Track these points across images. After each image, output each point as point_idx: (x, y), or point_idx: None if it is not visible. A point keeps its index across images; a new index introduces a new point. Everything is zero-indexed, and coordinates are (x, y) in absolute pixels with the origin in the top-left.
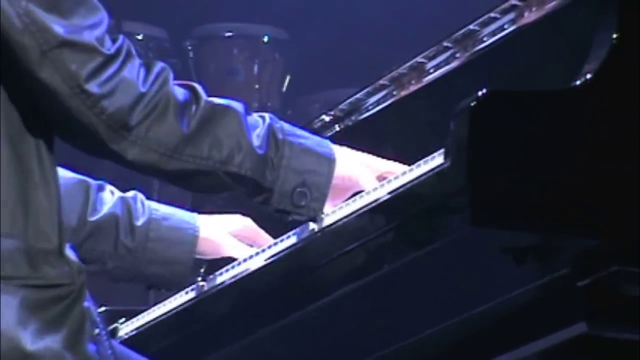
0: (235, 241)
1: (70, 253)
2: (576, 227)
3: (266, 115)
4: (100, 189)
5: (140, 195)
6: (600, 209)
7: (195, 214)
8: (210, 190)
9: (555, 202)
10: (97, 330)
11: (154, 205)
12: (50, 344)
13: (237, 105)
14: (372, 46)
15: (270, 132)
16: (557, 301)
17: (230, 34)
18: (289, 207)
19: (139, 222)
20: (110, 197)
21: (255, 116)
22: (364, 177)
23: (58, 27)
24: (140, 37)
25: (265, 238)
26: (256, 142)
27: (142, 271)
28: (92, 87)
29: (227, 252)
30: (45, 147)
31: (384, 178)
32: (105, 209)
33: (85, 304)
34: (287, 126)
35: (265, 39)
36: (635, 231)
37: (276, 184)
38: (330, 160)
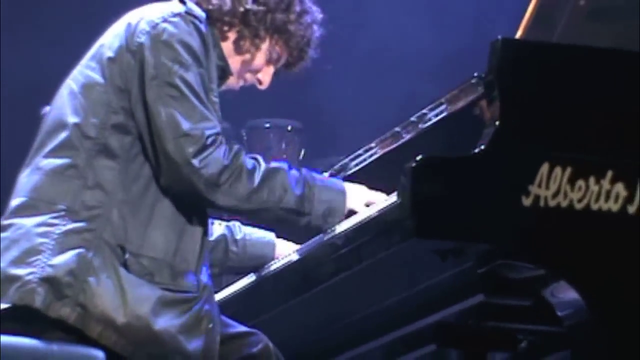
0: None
1: (204, 274)
2: (477, 237)
3: (303, 169)
4: (213, 223)
5: (237, 222)
6: (489, 230)
7: (271, 232)
8: (271, 221)
9: (464, 223)
10: (210, 325)
11: (245, 228)
12: (169, 328)
13: (284, 165)
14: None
15: (305, 180)
16: (465, 282)
17: (268, 125)
18: (321, 224)
19: (238, 237)
20: (219, 226)
21: (294, 171)
22: (358, 205)
23: (185, 122)
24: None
25: None
26: (296, 187)
27: (244, 265)
28: (196, 163)
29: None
30: (197, 210)
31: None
32: (215, 233)
33: (206, 307)
34: (315, 175)
35: (289, 127)
36: (510, 239)
37: (312, 211)
38: (343, 193)
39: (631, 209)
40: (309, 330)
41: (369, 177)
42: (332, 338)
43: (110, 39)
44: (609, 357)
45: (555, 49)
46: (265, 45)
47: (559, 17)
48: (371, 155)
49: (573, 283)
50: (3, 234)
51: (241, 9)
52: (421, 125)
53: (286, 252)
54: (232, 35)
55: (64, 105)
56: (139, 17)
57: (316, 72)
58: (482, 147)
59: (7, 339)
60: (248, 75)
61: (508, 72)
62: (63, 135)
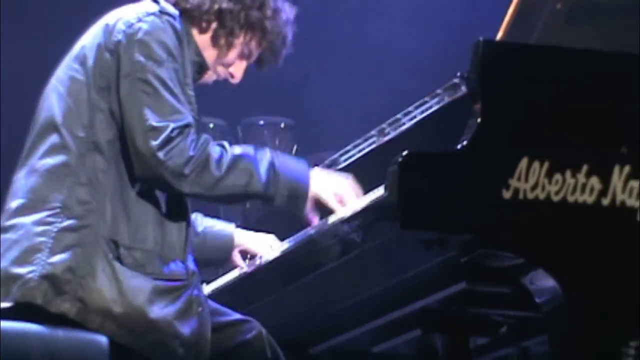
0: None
1: (190, 262)
2: (460, 228)
3: (269, 152)
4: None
5: (199, 215)
6: (471, 221)
7: (230, 225)
8: (239, 203)
9: (448, 215)
10: (200, 309)
11: (206, 220)
12: (165, 315)
13: (250, 150)
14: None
15: (271, 164)
16: (449, 270)
17: (262, 122)
18: (286, 206)
19: (199, 229)
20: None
21: (261, 154)
22: (324, 191)
23: (152, 115)
24: (211, 126)
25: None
26: (262, 172)
27: (204, 256)
28: (161, 155)
29: (249, 245)
30: (178, 201)
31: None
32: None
33: (195, 292)
34: (282, 157)
35: (282, 125)
36: (491, 230)
37: (276, 194)
38: (307, 178)
39: (605, 201)
40: (301, 316)
41: (358, 172)
42: (323, 324)
43: (90, 40)
44: (583, 341)
45: (533, 50)
46: (239, 41)
47: (537, 19)
48: (360, 151)
49: (550, 271)
50: (4, 235)
51: (217, 7)
52: (407, 123)
53: (247, 241)
54: (208, 32)
55: (53, 106)
56: (116, 18)
57: (307, 72)
58: (465, 143)
59: (15, 325)
60: (220, 69)
61: (489, 72)
62: (54, 135)
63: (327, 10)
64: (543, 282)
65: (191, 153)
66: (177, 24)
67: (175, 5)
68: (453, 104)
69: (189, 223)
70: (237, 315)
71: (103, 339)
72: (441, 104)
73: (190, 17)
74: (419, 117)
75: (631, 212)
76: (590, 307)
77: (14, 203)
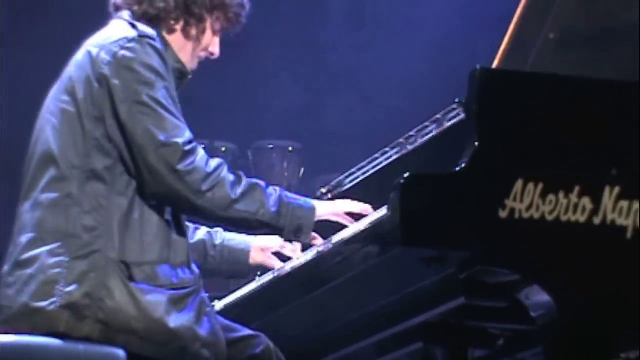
0: (268, 254)
1: (194, 266)
2: (458, 246)
3: (278, 188)
4: (197, 228)
5: (219, 229)
6: (469, 240)
7: (249, 237)
8: (247, 230)
9: (447, 234)
10: (208, 309)
11: (226, 234)
12: (184, 322)
13: (262, 183)
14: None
15: (280, 198)
16: (448, 286)
17: (271, 146)
18: (293, 238)
19: (217, 242)
20: (201, 231)
21: (271, 189)
22: (328, 214)
23: (161, 134)
24: (223, 149)
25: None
26: (272, 204)
27: (221, 269)
28: (181, 168)
29: (264, 261)
30: (178, 214)
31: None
32: (196, 237)
33: (202, 294)
34: (288, 194)
35: (290, 148)
36: (489, 247)
37: (285, 226)
38: (313, 211)
39: (596, 220)
40: (307, 330)
41: (363, 193)
42: (328, 337)
43: (77, 71)
44: (576, 353)
45: (527, 77)
46: (208, 24)
47: (531, 48)
48: (364, 173)
49: (545, 287)
50: (21, 271)
51: (184, 4)
52: (409, 146)
53: (270, 244)
54: (178, 27)
55: (48, 140)
56: (98, 47)
57: (315, 100)
58: (463, 165)
59: (37, 339)
60: (202, 54)
61: (485, 97)
62: (53, 168)
63: (333, 42)
64: (538, 297)
65: (208, 170)
66: (157, 44)
67: (143, 16)
68: (452, 128)
69: (187, 229)
70: (246, 331)
71: (121, 352)
72: (440, 129)
73: (159, 21)
74: (419, 141)
75: (621, 231)
76: (583, 321)
77: (23, 238)
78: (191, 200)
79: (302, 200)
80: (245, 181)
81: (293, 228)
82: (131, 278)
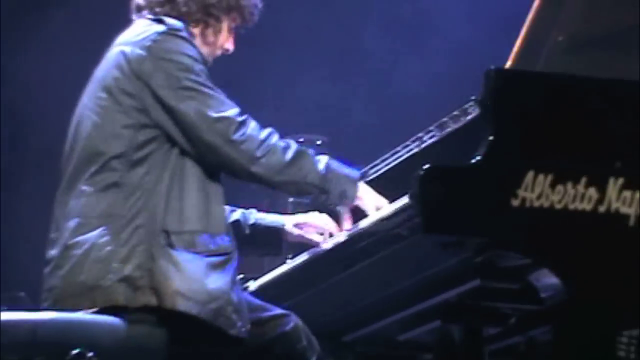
0: (305, 229)
1: (231, 234)
2: (474, 232)
3: (326, 156)
4: (233, 210)
5: (253, 210)
6: (484, 226)
7: (282, 216)
8: (297, 194)
9: (464, 221)
10: (237, 278)
11: (260, 214)
12: (221, 285)
13: (311, 150)
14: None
15: (327, 164)
16: (465, 269)
17: (301, 139)
18: (338, 202)
19: (251, 222)
20: (236, 213)
21: (320, 156)
22: (369, 202)
23: (212, 112)
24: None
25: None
26: (320, 168)
27: (254, 248)
28: (236, 138)
29: (301, 236)
30: (216, 185)
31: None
32: (232, 218)
33: (235, 263)
34: (335, 163)
35: (319, 142)
36: (502, 234)
37: (330, 189)
38: (356, 182)
39: (601, 209)
40: (334, 309)
41: (386, 183)
42: (354, 314)
43: (112, 70)
44: (583, 331)
45: (538, 76)
46: (225, 25)
47: (541, 50)
48: (387, 165)
49: (554, 270)
50: (71, 252)
51: (201, 5)
52: (428, 140)
53: (307, 218)
54: (198, 29)
55: (90, 135)
56: (130, 45)
57: (342, 98)
58: (478, 158)
59: (91, 317)
60: (218, 51)
61: (499, 95)
62: (100, 161)
63: (362, 44)
64: (547, 279)
65: (261, 138)
66: (185, 33)
67: (169, 15)
68: (468, 124)
69: (224, 199)
70: (278, 310)
71: (162, 331)
72: (458, 124)
73: (185, 21)
74: (438, 135)
75: (625, 218)
76: (589, 301)
77: (71, 223)
78: (247, 167)
79: (347, 169)
80: (295, 147)
81: (338, 192)
82: (171, 245)
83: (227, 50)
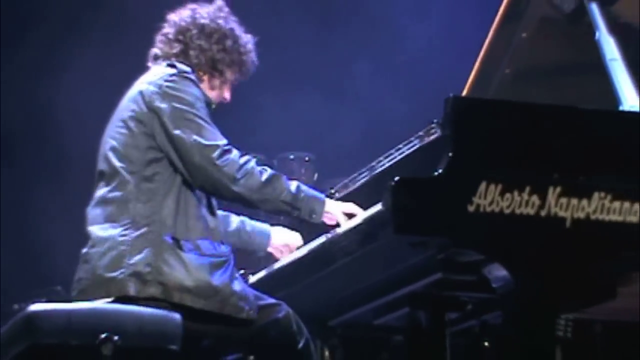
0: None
1: (227, 243)
2: (437, 233)
3: (297, 182)
4: (229, 216)
5: (245, 217)
6: (445, 228)
7: (268, 226)
8: (273, 211)
9: (428, 224)
10: (237, 275)
11: (251, 221)
12: (224, 280)
13: (282, 175)
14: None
15: (297, 186)
16: (429, 264)
17: (292, 156)
18: (308, 218)
19: (248, 229)
20: (235, 219)
21: (291, 182)
22: (337, 213)
23: (203, 140)
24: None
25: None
26: (293, 189)
27: (248, 248)
28: (220, 163)
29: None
30: (212, 204)
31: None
32: (232, 225)
33: (232, 263)
34: (305, 187)
35: (307, 158)
36: (460, 234)
37: (302, 207)
38: (323, 201)
39: (542, 213)
40: (318, 299)
41: (363, 193)
42: (337, 303)
43: (130, 104)
44: (528, 315)
45: (489, 103)
46: (227, 76)
47: (492, 80)
48: (363, 177)
49: (503, 264)
50: (94, 249)
51: (210, 59)
52: (398, 156)
53: (284, 237)
54: (206, 78)
55: (111, 158)
56: (146, 83)
57: (326, 120)
58: (440, 171)
59: (115, 306)
60: (220, 98)
61: (458, 119)
62: (117, 177)
63: (345, 69)
64: (498, 272)
65: (241, 162)
66: (192, 76)
67: (182, 63)
68: (432, 142)
69: (218, 219)
70: (271, 300)
71: (177, 316)
72: (422, 143)
73: (194, 71)
74: (406, 152)
75: (562, 221)
76: (533, 291)
77: (96, 227)
78: (229, 186)
79: (315, 192)
80: (270, 171)
81: (308, 210)
82: (181, 249)
83: (225, 99)
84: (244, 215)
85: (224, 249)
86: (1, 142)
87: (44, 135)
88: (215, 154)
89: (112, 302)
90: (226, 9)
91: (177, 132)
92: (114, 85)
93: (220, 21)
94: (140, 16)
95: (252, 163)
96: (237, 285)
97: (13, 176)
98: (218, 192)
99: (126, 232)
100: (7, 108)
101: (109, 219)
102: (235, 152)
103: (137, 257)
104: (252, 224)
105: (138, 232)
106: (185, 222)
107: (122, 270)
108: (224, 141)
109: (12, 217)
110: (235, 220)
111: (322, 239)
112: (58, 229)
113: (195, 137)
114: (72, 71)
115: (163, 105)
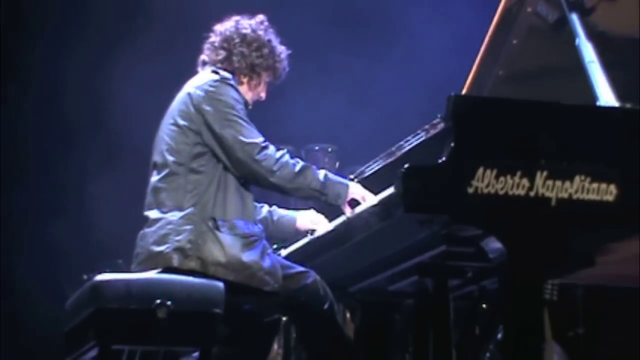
0: (311, 224)
1: (259, 224)
2: (441, 211)
3: (324, 170)
4: (261, 206)
5: (275, 207)
6: (448, 207)
7: (296, 212)
8: (304, 198)
9: (433, 203)
10: (269, 251)
11: (280, 210)
12: (254, 257)
13: (313, 166)
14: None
15: (325, 175)
16: (434, 238)
17: (317, 148)
18: (334, 202)
19: (275, 217)
20: (264, 209)
21: (319, 170)
22: (363, 192)
23: (244, 138)
24: (284, 150)
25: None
26: (321, 177)
27: (275, 235)
28: (259, 158)
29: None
30: (249, 191)
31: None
32: (262, 214)
33: (264, 242)
34: (331, 175)
35: (330, 149)
36: (461, 212)
37: (329, 193)
38: (347, 186)
39: (531, 194)
40: (343, 267)
41: (377, 178)
42: (357, 272)
43: (180, 105)
44: (519, 282)
45: (486, 100)
46: (263, 78)
47: (488, 81)
48: (378, 165)
49: (498, 238)
50: (148, 229)
51: (250, 64)
52: (407, 146)
53: (309, 220)
54: (246, 79)
55: (163, 151)
56: (194, 87)
57: (346, 114)
58: (444, 159)
59: (160, 276)
60: (256, 97)
61: (458, 114)
62: (167, 168)
63: (366, 65)
64: (494, 244)
65: (277, 157)
66: (233, 82)
67: (224, 69)
68: (436, 134)
69: (253, 203)
70: (301, 268)
71: (220, 284)
72: (428, 135)
73: (235, 75)
74: (414, 143)
75: (548, 200)
76: (523, 260)
77: (152, 209)
78: (267, 178)
79: (340, 178)
80: (301, 163)
81: (334, 195)
82: (217, 228)
83: (262, 97)
84: (274, 205)
85: (256, 229)
86: (68, 132)
87: (106, 128)
88: (255, 150)
89: (160, 272)
90: (266, 22)
91: (221, 131)
92: (165, 86)
93: (260, 32)
94: (189, 26)
95: (287, 157)
96: (267, 262)
97: (76, 162)
98: (257, 182)
99: (172, 215)
100: (72, 100)
101: (161, 205)
102: (271, 148)
103: (181, 236)
104: (279, 213)
105: (183, 215)
106: (223, 207)
107: (168, 245)
108: (261, 138)
109: (78, 200)
110: (264, 211)
111: (342, 218)
112: (121, 212)
113: (236, 135)
114: (130, 70)
115: (208, 108)
